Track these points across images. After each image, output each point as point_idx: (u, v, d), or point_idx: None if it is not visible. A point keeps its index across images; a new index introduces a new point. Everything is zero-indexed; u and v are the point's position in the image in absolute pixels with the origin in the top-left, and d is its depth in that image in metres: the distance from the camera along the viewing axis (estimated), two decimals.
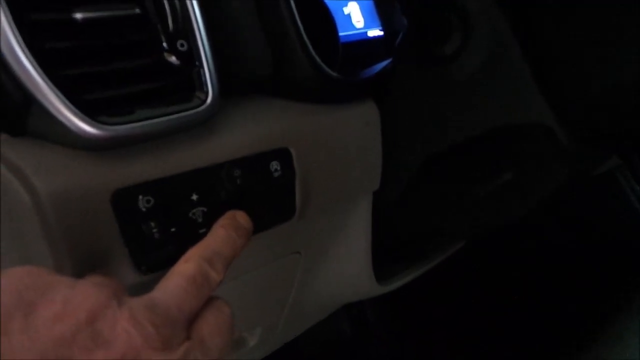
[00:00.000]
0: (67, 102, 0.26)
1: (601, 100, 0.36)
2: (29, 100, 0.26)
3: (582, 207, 0.92)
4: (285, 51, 0.37)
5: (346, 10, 0.53)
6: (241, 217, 0.29)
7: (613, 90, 0.35)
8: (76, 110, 0.26)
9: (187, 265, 0.25)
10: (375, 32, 0.54)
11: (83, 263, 0.29)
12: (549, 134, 0.38)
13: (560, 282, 0.93)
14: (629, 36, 0.33)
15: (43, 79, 0.25)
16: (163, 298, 0.23)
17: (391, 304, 1.04)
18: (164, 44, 0.31)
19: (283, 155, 0.37)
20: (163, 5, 0.30)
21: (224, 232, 0.28)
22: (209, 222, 0.33)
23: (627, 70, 0.33)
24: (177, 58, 0.31)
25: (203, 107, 0.31)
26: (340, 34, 0.46)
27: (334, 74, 0.39)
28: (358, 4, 0.54)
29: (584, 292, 0.88)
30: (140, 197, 0.29)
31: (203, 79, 0.32)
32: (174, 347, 0.21)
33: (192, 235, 0.32)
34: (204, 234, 0.33)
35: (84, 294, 0.20)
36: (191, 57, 0.31)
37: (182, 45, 0.31)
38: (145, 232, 0.30)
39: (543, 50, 0.37)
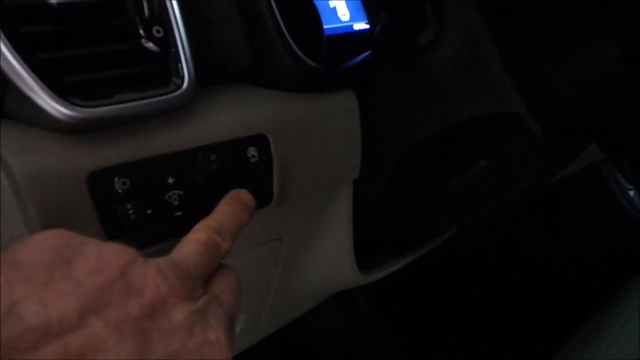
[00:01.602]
0: (42, 84, 0.27)
1: (569, 94, 0.37)
2: (5, 83, 0.27)
3: (567, 201, 0.93)
4: (263, 40, 0.38)
5: (332, 4, 0.54)
6: (244, 195, 0.32)
7: (579, 85, 0.35)
8: (51, 93, 0.27)
9: (199, 234, 0.27)
10: (361, 26, 0.55)
11: None
12: (523, 125, 0.39)
13: (548, 276, 0.94)
14: (585, 34, 0.33)
15: (18, 62, 0.26)
16: (182, 258, 0.25)
17: (384, 298, 1.05)
18: (141, 31, 0.32)
19: (260, 141, 0.37)
20: None
21: (229, 207, 0.30)
22: (185, 206, 0.34)
23: (590, 65, 0.34)
24: (154, 44, 0.32)
25: (178, 92, 0.32)
26: (325, 26, 0.46)
27: (313, 63, 0.40)
28: None
29: (572, 285, 0.89)
30: (116, 179, 0.30)
31: (179, 64, 0.32)
32: (195, 298, 0.23)
33: (168, 217, 0.33)
34: (181, 217, 0.34)
35: (113, 251, 0.22)
36: (167, 43, 0.32)
37: (157, 31, 0.32)
38: (121, 213, 0.31)
39: (515, 41, 0.38)
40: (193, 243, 0.26)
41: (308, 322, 0.68)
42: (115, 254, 0.22)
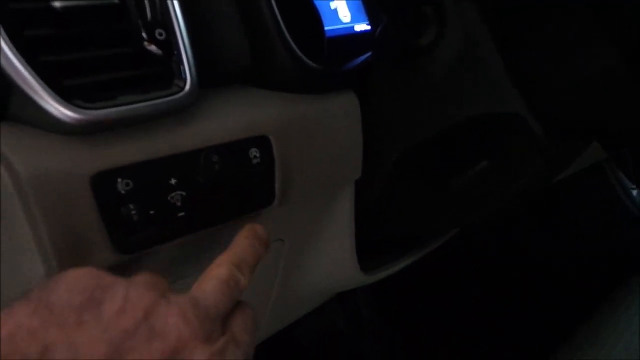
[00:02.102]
0: (45, 87, 0.27)
1: (569, 94, 0.37)
2: (9, 86, 0.27)
3: (570, 200, 0.93)
4: (264, 41, 0.39)
5: (333, 5, 0.54)
6: (259, 229, 0.32)
7: (579, 85, 0.36)
8: (55, 95, 0.27)
9: (220, 270, 0.27)
10: (362, 27, 0.55)
11: (63, 243, 0.30)
12: (523, 124, 0.39)
13: (550, 276, 0.94)
14: (584, 35, 0.34)
15: (23, 65, 0.27)
16: (203, 297, 0.25)
17: (385, 299, 1.05)
18: (143, 34, 0.32)
19: (262, 142, 0.38)
20: None
21: (247, 241, 0.30)
22: (187, 206, 0.34)
23: (590, 65, 0.34)
24: (157, 47, 0.32)
25: (181, 94, 0.32)
26: (327, 28, 0.47)
27: (313, 64, 0.40)
28: None
29: (573, 285, 0.89)
30: (120, 180, 0.31)
31: (181, 67, 0.33)
32: (213, 340, 0.24)
33: (171, 218, 0.33)
34: (183, 218, 0.34)
35: (138, 293, 0.23)
36: (169, 46, 0.32)
37: (160, 34, 0.32)
38: (124, 214, 0.31)
39: (515, 42, 0.38)
40: (214, 280, 0.27)
41: (310, 322, 0.68)
42: (140, 296, 0.23)
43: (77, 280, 0.22)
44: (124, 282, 0.23)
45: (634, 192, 0.91)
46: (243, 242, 0.30)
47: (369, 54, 0.46)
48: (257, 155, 0.37)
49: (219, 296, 0.26)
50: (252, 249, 0.30)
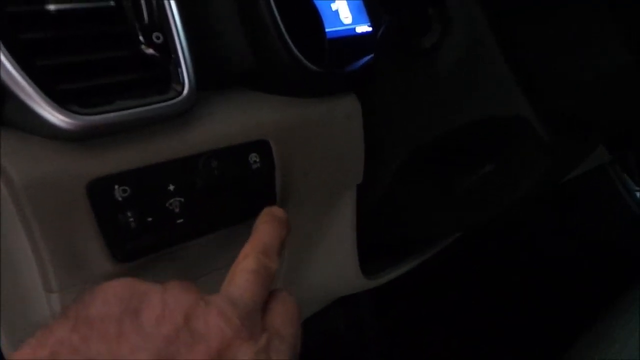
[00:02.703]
0: (40, 92, 0.26)
1: (575, 95, 0.36)
2: (3, 91, 0.27)
3: (573, 202, 0.92)
4: (264, 46, 0.38)
5: (334, 7, 0.54)
6: (276, 211, 0.31)
7: (586, 85, 0.35)
8: (49, 101, 0.27)
9: (247, 261, 0.27)
10: (363, 28, 0.55)
11: (60, 251, 0.29)
12: (528, 127, 0.38)
13: (551, 278, 0.93)
14: (597, 32, 0.33)
15: (16, 69, 0.26)
16: (238, 292, 0.25)
17: (387, 303, 1.04)
18: (140, 37, 0.31)
19: (262, 147, 0.37)
20: None
21: (267, 226, 0.30)
22: (186, 213, 0.33)
23: (599, 66, 0.33)
24: (154, 50, 0.32)
25: (179, 98, 0.32)
26: (328, 29, 0.46)
27: (314, 67, 0.40)
28: (346, 1, 0.55)
29: (576, 288, 0.88)
30: (117, 186, 0.30)
31: (179, 71, 0.32)
32: (256, 337, 0.23)
33: (169, 225, 0.33)
34: (182, 225, 0.33)
35: (175, 298, 0.22)
36: (167, 49, 0.32)
37: (157, 37, 0.31)
38: (121, 221, 0.30)
39: (519, 43, 0.37)
40: (244, 273, 0.26)
41: (310, 326, 0.67)
42: (178, 301, 0.22)
43: (113, 291, 0.22)
44: (159, 288, 0.23)
45: (638, 194, 0.91)
46: (264, 227, 0.30)
47: (370, 55, 0.45)
48: (257, 160, 0.36)
49: (253, 288, 0.25)
50: (274, 232, 0.29)
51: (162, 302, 0.22)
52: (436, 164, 0.46)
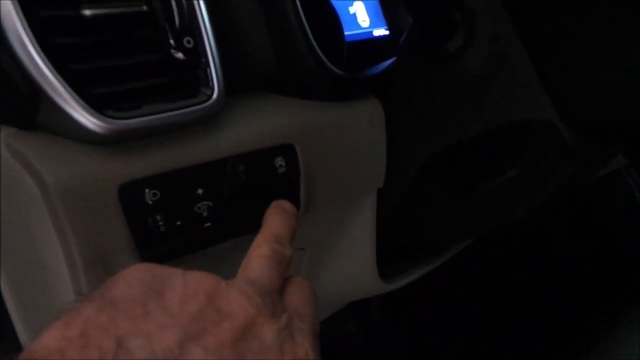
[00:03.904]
0: (75, 96, 0.27)
1: (603, 98, 0.36)
2: (38, 94, 0.27)
3: (588, 207, 0.91)
4: (289, 48, 0.38)
5: (352, 10, 0.54)
6: (285, 204, 0.32)
7: (614, 87, 0.35)
8: (84, 104, 0.27)
9: (261, 249, 0.27)
10: (381, 32, 0.55)
11: (91, 254, 0.29)
12: (553, 132, 0.38)
13: (564, 284, 0.93)
14: (630, 36, 0.33)
15: (52, 73, 0.26)
16: (255, 276, 0.25)
17: (397, 304, 1.04)
18: (171, 41, 0.31)
19: (288, 151, 0.37)
20: (170, 3, 0.31)
21: (277, 217, 0.30)
22: (213, 216, 0.33)
23: (628, 68, 0.33)
24: (184, 54, 0.32)
25: (208, 102, 0.32)
26: (346, 33, 0.46)
27: (338, 71, 0.40)
28: (364, 3, 0.54)
29: (587, 294, 0.88)
30: (147, 190, 0.30)
31: (209, 75, 0.32)
32: (278, 316, 0.23)
33: (197, 228, 0.33)
34: (210, 228, 0.33)
35: (197, 279, 0.23)
36: (197, 53, 0.32)
37: (188, 42, 0.31)
38: (151, 225, 0.30)
39: (546, 48, 0.37)
40: (260, 259, 0.26)
41: (321, 327, 0.68)
42: (200, 282, 0.23)
43: (134, 275, 0.22)
44: (179, 271, 0.23)
45: None
46: (274, 218, 0.30)
47: (393, 59, 0.45)
48: (283, 164, 0.36)
49: (269, 271, 0.26)
50: (285, 222, 0.30)
51: (184, 284, 0.22)
52: (458, 168, 0.46)
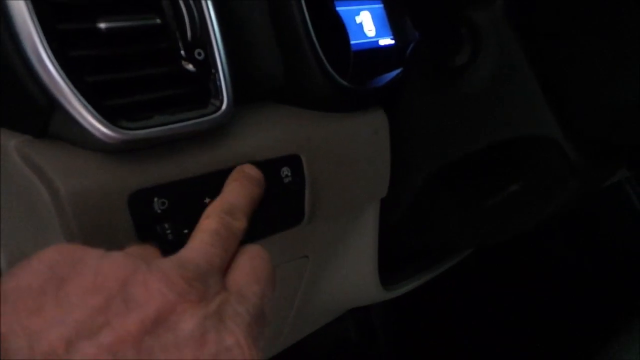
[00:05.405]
0: (90, 107, 0.27)
1: (609, 116, 0.36)
2: (52, 105, 0.27)
3: (589, 218, 0.92)
4: (297, 60, 0.39)
5: (358, 19, 0.54)
6: (250, 169, 0.30)
7: (622, 107, 0.35)
8: (98, 116, 0.27)
9: (208, 221, 0.25)
10: (386, 41, 0.55)
11: None
12: (557, 148, 0.39)
13: (566, 293, 0.93)
14: (631, 57, 0.33)
15: (68, 85, 0.27)
16: (191, 255, 0.23)
17: (397, 310, 1.04)
18: (182, 53, 0.32)
19: (294, 161, 0.37)
20: (182, 16, 0.31)
21: (237, 184, 0.28)
22: None
23: (636, 88, 0.34)
24: (194, 66, 0.32)
25: (217, 113, 0.32)
26: (352, 42, 0.47)
27: (345, 83, 0.40)
28: (370, 13, 0.55)
29: (589, 303, 0.88)
30: (156, 199, 0.31)
31: (218, 86, 0.33)
32: (209, 299, 0.21)
33: None
34: None
35: (112, 264, 0.21)
36: (207, 65, 0.32)
37: (199, 54, 0.32)
38: (159, 233, 0.31)
39: (551, 65, 0.38)
40: (202, 234, 0.24)
41: (321, 332, 0.68)
42: (114, 267, 0.21)
43: (45, 258, 0.21)
44: (97, 254, 0.21)
45: None
46: (233, 185, 0.28)
47: (399, 70, 0.46)
48: (289, 174, 0.37)
49: (209, 249, 0.24)
50: (244, 190, 0.28)
51: (95, 270, 0.20)
52: (462, 182, 0.47)
